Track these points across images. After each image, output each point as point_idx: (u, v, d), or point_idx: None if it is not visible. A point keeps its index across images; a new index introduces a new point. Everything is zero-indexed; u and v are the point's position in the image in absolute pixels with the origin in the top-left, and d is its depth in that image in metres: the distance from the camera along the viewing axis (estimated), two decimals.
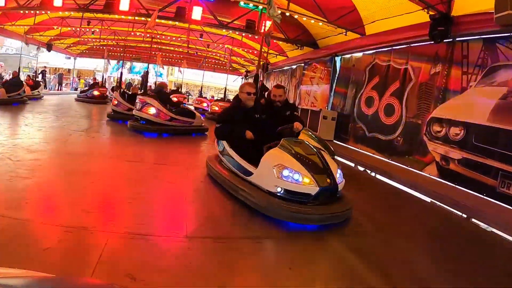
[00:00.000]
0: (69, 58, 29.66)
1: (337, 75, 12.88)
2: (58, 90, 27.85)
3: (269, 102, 5.86)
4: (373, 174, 8.42)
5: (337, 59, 12.88)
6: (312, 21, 11.16)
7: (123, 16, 14.09)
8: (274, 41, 15.11)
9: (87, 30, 20.37)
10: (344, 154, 9.53)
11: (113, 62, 34.31)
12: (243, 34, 16.50)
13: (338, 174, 4.52)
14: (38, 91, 17.05)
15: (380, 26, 9.83)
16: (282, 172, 4.21)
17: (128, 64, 35.93)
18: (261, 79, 22.86)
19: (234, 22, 13.75)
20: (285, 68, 19.27)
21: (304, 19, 11.22)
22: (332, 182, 4.32)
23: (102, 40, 23.74)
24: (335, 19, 10.60)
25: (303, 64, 16.16)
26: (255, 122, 5.34)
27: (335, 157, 6.93)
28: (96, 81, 22.26)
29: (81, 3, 13.29)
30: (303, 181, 4.16)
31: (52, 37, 22.24)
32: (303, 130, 5.76)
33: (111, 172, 5.66)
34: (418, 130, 8.31)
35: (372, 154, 9.79)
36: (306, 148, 4.66)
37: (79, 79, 34.59)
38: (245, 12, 13.36)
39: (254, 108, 5.47)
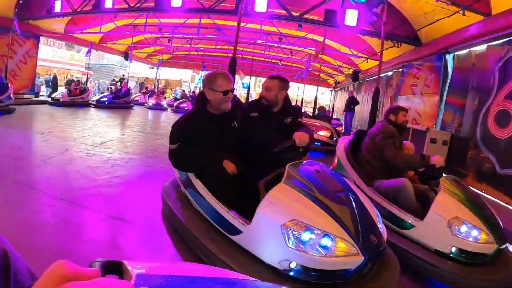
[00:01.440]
0: (152, 68, 30.37)
1: (449, 81, 9.09)
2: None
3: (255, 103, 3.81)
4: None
5: (449, 57, 9.10)
6: None
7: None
8: (362, 36, 11.85)
9: (160, 37, 21.03)
10: None
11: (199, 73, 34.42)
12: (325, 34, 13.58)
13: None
14: (83, 97, 16.96)
15: None
16: (301, 234, 2.27)
17: None
18: (350, 89, 19.76)
19: (307, 14, 10.82)
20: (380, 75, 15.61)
21: None
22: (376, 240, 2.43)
23: (177, 49, 24.03)
24: None
25: (401, 69, 12.46)
26: (232, 138, 3.20)
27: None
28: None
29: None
30: (337, 249, 2.26)
31: (129, 46, 22.54)
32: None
33: None
34: None
35: (505, 204, 5.99)
36: (332, 182, 2.70)
37: (165, 89, 35.26)
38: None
39: (229, 114, 3.17)
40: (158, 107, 20.86)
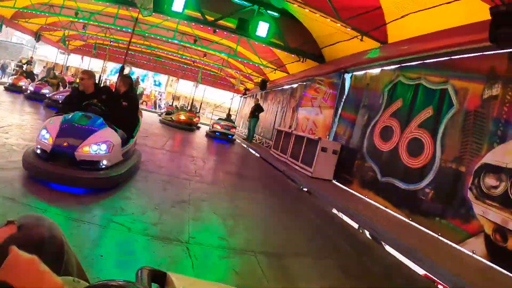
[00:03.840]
0: (64, 53, 27.94)
1: (344, 97, 10.03)
2: None
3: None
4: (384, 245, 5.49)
5: (347, 76, 10.06)
6: (317, 15, 8.30)
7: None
8: (272, 48, 12.47)
9: (75, 22, 19.50)
10: (344, 205, 6.63)
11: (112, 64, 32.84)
12: (238, 42, 14.01)
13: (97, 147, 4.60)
14: None
15: (408, 30, 7.13)
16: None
17: (126, 70, 33.69)
18: (258, 97, 20.49)
19: (222, 20, 11.13)
20: (286, 87, 16.47)
21: (307, 11, 8.39)
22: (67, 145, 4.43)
23: (91, 37, 22.97)
24: (348, 18, 7.85)
25: (305, 83, 13.36)
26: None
27: None
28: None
29: None
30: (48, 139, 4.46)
31: (42, 26, 21.00)
32: None
33: None
34: (460, 181, 5.41)
35: (384, 208, 6.82)
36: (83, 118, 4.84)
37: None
38: (238, 8, 10.85)
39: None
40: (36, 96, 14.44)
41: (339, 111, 10.05)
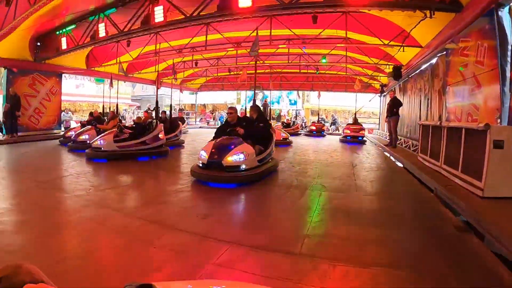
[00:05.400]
0: (192, 93, 30.49)
1: (510, 47, 5.87)
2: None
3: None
4: None
5: (502, 13, 5.90)
6: None
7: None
8: (388, 18, 9.02)
9: (181, 60, 20.20)
10: None
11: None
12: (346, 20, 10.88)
13: (237, 157, 6.95)
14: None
15: None
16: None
17: (260, 95, 32.44)
18: (394, 90, 16.45)
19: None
20: (424, 66, 12.14)
21: None
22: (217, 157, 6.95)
23: (207, 71, 23.92)
24: None
25: (444, 52, 9.23)
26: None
27: None
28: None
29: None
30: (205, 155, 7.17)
31: (159, 73, 21.16)
32: None
33: None
34: None
35: None
36: (228, 139, 7.45)
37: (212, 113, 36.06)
38: None
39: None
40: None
41: (507, 73, 5.86)
